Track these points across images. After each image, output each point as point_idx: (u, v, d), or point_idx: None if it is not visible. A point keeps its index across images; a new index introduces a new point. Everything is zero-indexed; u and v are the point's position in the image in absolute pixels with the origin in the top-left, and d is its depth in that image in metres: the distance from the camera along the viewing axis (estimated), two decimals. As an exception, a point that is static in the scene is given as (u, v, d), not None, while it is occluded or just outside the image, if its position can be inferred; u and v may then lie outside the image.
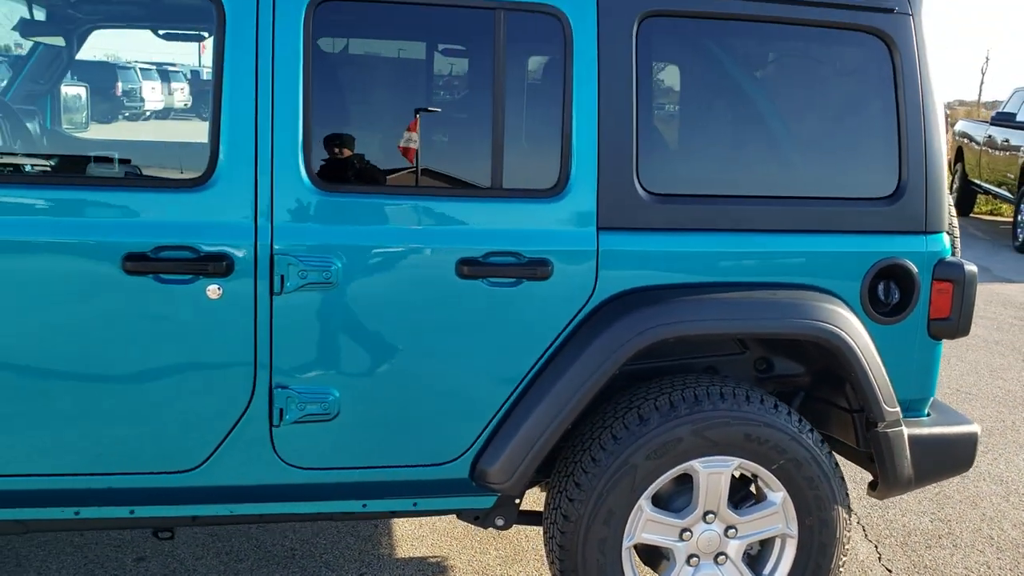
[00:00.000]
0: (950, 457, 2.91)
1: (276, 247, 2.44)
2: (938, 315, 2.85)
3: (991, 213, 14.27)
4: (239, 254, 2.43)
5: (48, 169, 2.56)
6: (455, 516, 2.90)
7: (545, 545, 2.83)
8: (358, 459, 2.61)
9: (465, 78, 2.67)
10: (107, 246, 2.38)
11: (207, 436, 2.52)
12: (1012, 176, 11.62)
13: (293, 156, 2.44)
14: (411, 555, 3.48)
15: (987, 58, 52.34)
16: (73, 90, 2.92)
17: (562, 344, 2.61)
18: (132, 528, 2.72)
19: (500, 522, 2.88)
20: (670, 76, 2.70)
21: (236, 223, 2.43)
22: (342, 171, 2.53)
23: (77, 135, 2.78)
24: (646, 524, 2.71)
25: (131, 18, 2.82)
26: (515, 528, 3.58)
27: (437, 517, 3.68)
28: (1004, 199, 12.12)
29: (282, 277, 2.44)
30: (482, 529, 3.49)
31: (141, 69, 11.94)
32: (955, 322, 2.85)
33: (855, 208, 2.76)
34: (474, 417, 2.63)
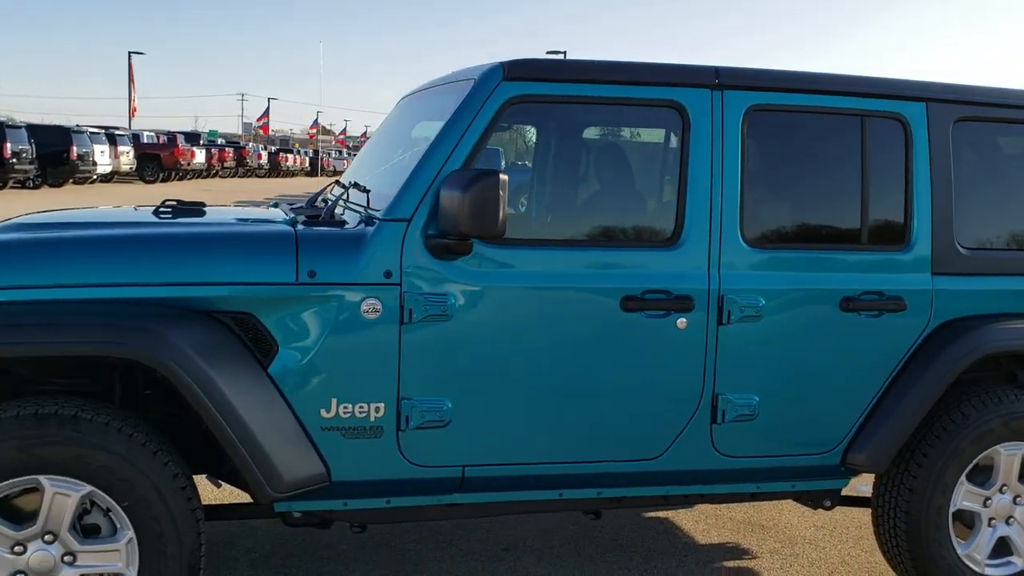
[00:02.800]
0: None
1: (723, 290, 3.30)
2: None
3: None
4: (698, 295, 3.28)
5: (573, 233, 3.38)
6: (792, 500, 3.76)
7: (879, 516, 3.69)
8: (767, 449, 3.46)
9: (842, 164, 3.57)
10: (612, 291, 3.21)
11: (668, 431, 3.34)
12: None
13: (734, 222, 3.32)
14: (711, 542, 4.30)
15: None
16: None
17: (909, 359, 3.52)
18: (589, 509, 3.49)
19: (827, 503, 3.75)
20: (975, 162, 3.66)
21: (696, 272, 3.29)
22: (770, 230, 3.41)
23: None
24: (964, 494, 3.62)
25: (608, 122, 3.65)
26: (774, 521, 4.45)
27: (707, 514, 4.52)
28: None
29: (728, 312, 3.30)
30: (748, 522, 4.35)
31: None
32: None
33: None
34: (848, 415, 3.51)
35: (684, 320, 3.28)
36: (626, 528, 4.39)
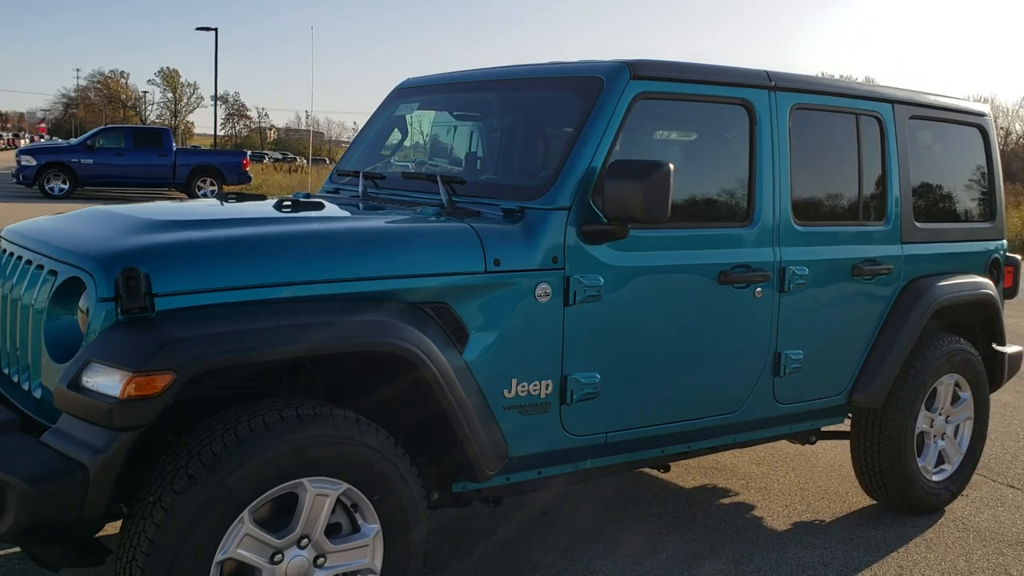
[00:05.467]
0: (1016, 364, 5.07)
1: (783, 262, 3.87)
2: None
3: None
4: (769, 267, 3.82)
5: (687, 216, 3.71)
6: (785, 440, 4.45)
7: (860, 444, 4.47)
8: (804, 396, 4.09)
9: (847, 153, 4.24)
10: (712, 266, 3.66)
11: (746, 387, 3.86)
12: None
13: (787, 203, 3.90)
14: (693, 486, 4.88)
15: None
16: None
17: (891, 312, 4.32)
18: (669, 463, 3.91)
19: (813, 439, 4.49)
20: (918, 151, 4.52)
21: (765, 248, 3.83)
22: (808, 210, 4.02)
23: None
24: (922, 419, 4.52)
25: (699, 117, 3.91)
26: (722, 464, 5.15)
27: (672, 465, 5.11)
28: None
29: (789, 281, 3.88)
30: (705, 467, 5.02)
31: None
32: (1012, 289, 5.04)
33: (982, 227, 4.84)
34: (853, 363, 4.24)
35: (760, 290, 3.80)
36: (614, 485, 4.84)
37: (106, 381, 2.43)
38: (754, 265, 3.78)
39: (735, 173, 3.84)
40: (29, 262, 3.03)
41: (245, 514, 2.58)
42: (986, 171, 4.94)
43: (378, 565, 2.86)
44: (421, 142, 4.45)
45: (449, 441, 3.05)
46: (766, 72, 3.89)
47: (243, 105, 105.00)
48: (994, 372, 4.92)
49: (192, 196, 24.93)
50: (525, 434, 3.28)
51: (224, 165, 25.55)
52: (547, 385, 3.29)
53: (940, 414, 4.65)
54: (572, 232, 3.30)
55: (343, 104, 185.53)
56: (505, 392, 3.20)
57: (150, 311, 2.56)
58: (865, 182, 4.27)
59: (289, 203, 3.39)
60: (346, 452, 2.71)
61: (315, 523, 2.72)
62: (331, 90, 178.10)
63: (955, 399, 4.74)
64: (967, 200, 4.90)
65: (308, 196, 3.98)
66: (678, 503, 4.66)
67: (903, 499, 4.52)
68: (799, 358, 3.99)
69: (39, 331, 2.80)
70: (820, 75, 4.00)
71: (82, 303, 2.69)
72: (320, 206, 3.46)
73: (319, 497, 2.70)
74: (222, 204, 3.63)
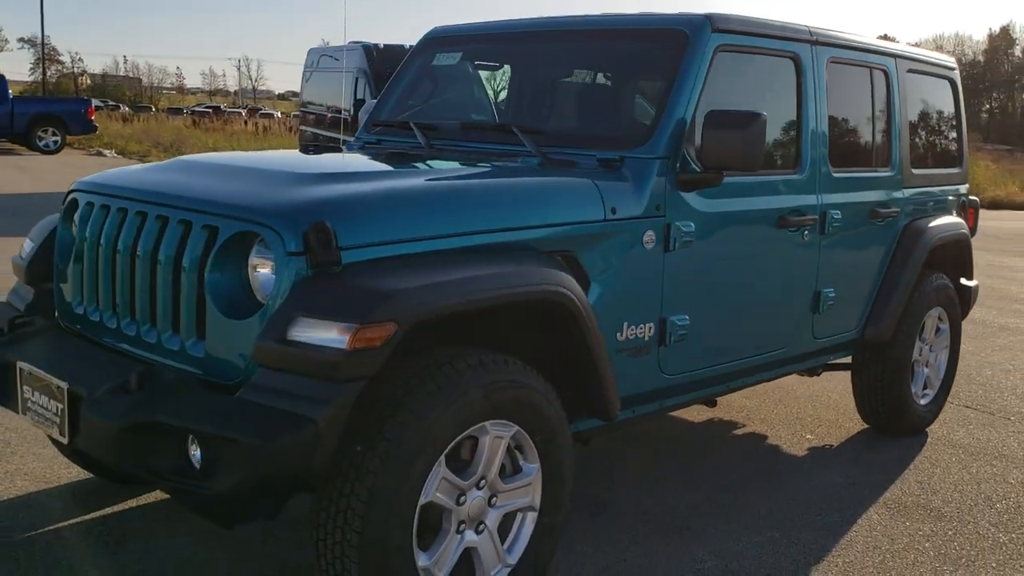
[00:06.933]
0: (975, 296, 5.57)
1: (823, 207, 4.14)
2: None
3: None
4: (814, 212, 4.08)
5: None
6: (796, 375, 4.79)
7: (862, 374, 4.86)
8: (832, 331, 4.41)
9: (864, 104, 4.52)
10: (773, 211, 3.89)
11: (793, 323, 4.14)
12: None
13: (825, 151, 4.16)
14: (703, 420, 5.16)
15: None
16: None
17: (895, 252, 4.69)
18: (738, 390, 4.15)
19: (820, 371, 4.85)
20: (909, 101, 4.87)
21: (810, 194, 4.09)
22: (839, 157, 4.29)
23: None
24: (917, 350, 4.93)
25: (755, 69, 3.96)
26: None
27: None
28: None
29: (828, 225, 4.16)
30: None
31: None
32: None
33: (953, 172, 5.28)
34: (866, 300, 4.59)
35: (808, 232, 4.07)
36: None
37: (325, 335, 2.40)
38: (803, 209, 4.03)
39: (787, 122, 4.06)
40: (156, 217, 2.90)
41: (442, 458, 2.62)
42: (955, 120, 5.38)
43: (538, 502, 2.97)
44: (466, 92, 4.45)
45: (580, 384, 3.16)
46: (808, 28, 4.11)
47: (54, 49, 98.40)
48: (963, 304, 5.41)
49: (32, 148, 23.41)
50: (631, 375, 3.42)
51: (67, 114, 24.02)
52: (650, 328, 3.45)
53: (926, 344, 5.09)
54: (670, 180, 3.44)
55: (163, 49, 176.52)
56: (618, 335, 3.34)
57: (338, 264, 2.55)
58: (877, 131, 4.59)
59: (397, 154, 3.37)
60: (519, 396, 2.79)
61: (491, 464, 2.80)
62: (151, 35, 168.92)
63: (936, 330, 5.19)
64: (943, 147, 5.33)
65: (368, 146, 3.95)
66: (698, 437, 4.93)
67: (899, 422, 4.94)
68: (833, 296, 4.29)
69: (193, 288, 2.72)
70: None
71: (255, 259, 2.64)
72: (422, 159, 3.46)
73: (496, 439, 2.78)
74: (318, 156, 3.56)
